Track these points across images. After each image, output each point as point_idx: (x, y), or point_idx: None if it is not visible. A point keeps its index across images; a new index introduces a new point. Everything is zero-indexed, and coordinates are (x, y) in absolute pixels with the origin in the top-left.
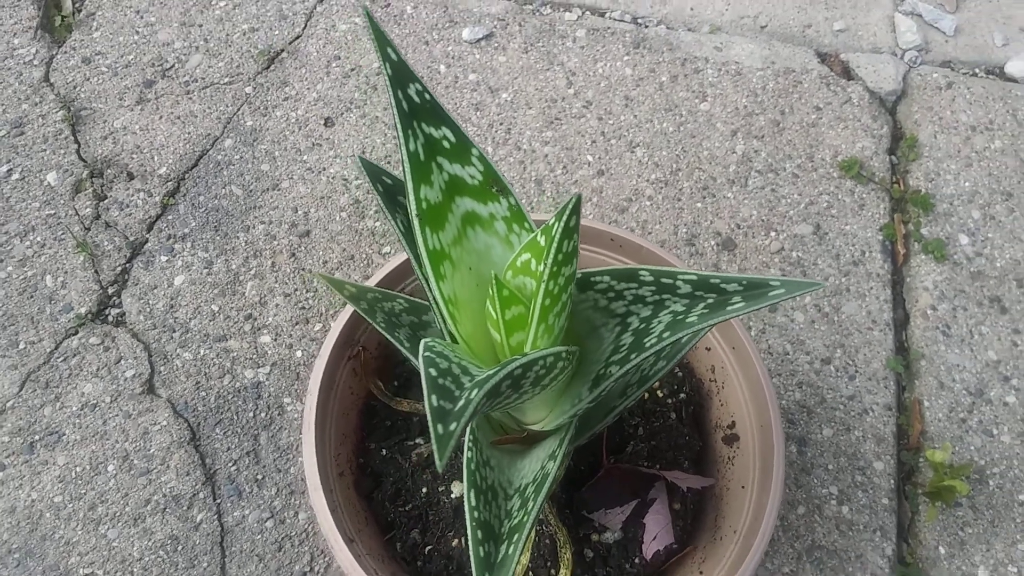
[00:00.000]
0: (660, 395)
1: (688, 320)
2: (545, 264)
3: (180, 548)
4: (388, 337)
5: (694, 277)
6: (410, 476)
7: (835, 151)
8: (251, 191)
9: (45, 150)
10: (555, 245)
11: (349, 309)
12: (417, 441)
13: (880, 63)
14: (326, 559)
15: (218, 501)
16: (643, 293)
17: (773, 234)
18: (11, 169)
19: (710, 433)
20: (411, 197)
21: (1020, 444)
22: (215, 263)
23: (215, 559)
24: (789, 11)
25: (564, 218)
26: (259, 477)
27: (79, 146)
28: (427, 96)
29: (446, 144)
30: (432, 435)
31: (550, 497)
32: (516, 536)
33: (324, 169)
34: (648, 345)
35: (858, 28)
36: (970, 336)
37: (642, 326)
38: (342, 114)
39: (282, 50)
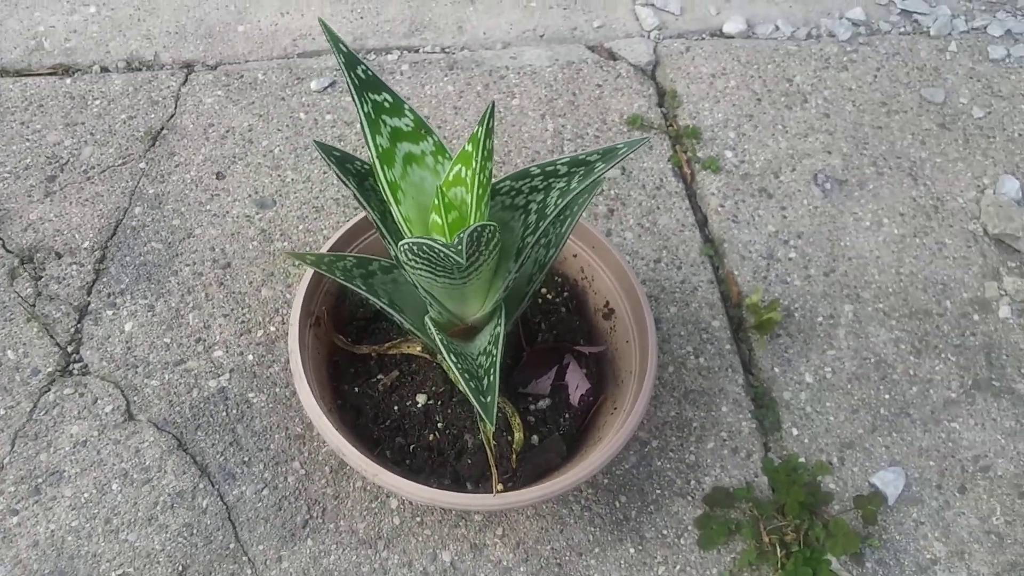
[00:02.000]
0: (550, 297)
1: (572, 187)
2: (476, 160)
3: (195, 531)
4: (348, 285)
5: (568, 159)
6: (382, 401)
7: (620, 113)
8: (170, 243)
9: None
10: (481, 143)
11: (301, 290)
12: (379, 377)
13: (634, 44)
14: (321, 507)
15: (216, 487)
16: (535, 183)
17: None
18: None
19: (592, 316)
20: (371, 143)
21: (807, 284)
22: (156, 305)
23: (228, 531)
24: (557, 20)
25: (485, 122)
26: (246, 459)
27: (3, 241)
28: (369, 73)
29: (387, 104)
30: (453, 256)
31: None
32: (492, 371)
33: (227, 212)
34: (548, 212)
35: (611, 23)
36: (752, 219)
37: (540, 206)
38: (229, 167)
39: (162, 128)
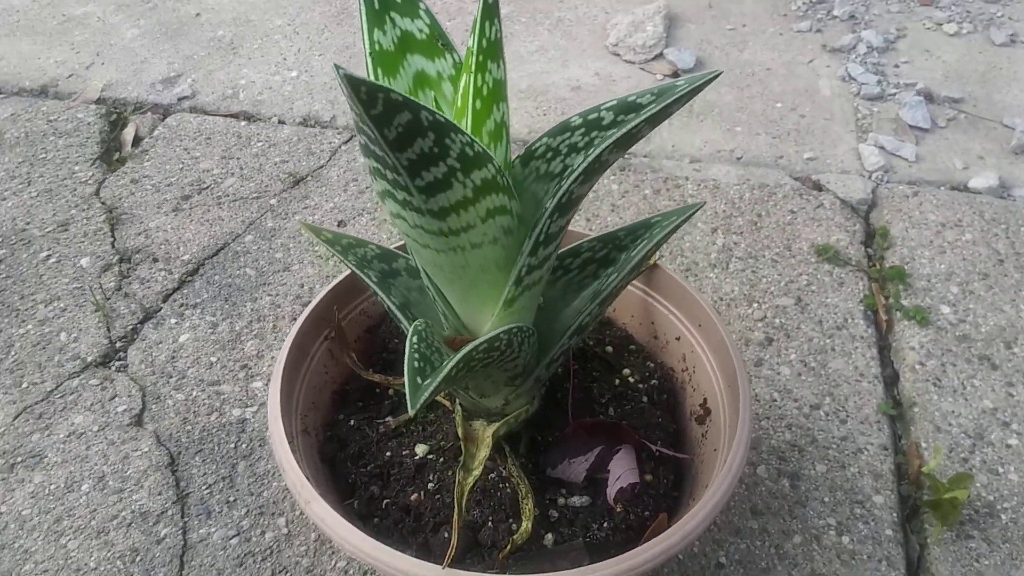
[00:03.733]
0: (632, 380)
1: (609, 133)
2: (472, 54)
3: (139, 559)
4: (358, 273)
5: (614, 102)
6: (375, 443)
7: (811, 242)
8: (263, 272)
9: (84, 242)
10: (479, 31)
11: (324, 289)
12: (387, 419)
13: (849, 180)
14: (287, 575)
15: (185, 519)
16: (575, 140)
17: (755, 305)
18: (50, 255)
19: (685, 418)
20: (366, 39)
21: None
22: (220, 325)
23: (172, 571)
24: (762, 147)
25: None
26: (231, 499)
27: (114, 240)
28: None
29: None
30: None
31: (512, 447)
32: (452, 361)
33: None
34: (576, 168)
35: (826, 157)
36: (962, 388)
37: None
38: (354, 218)
39: (307, 175)
